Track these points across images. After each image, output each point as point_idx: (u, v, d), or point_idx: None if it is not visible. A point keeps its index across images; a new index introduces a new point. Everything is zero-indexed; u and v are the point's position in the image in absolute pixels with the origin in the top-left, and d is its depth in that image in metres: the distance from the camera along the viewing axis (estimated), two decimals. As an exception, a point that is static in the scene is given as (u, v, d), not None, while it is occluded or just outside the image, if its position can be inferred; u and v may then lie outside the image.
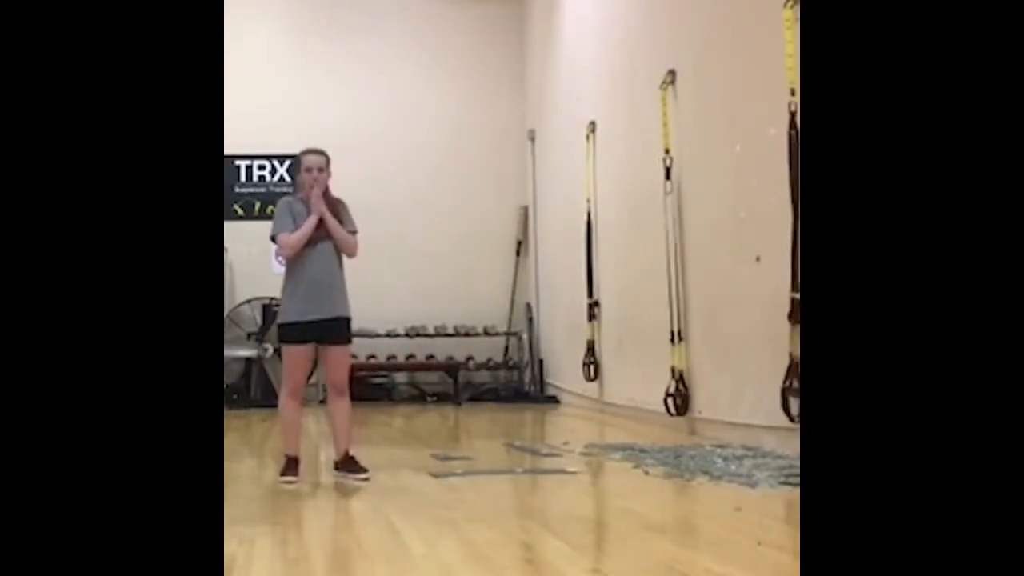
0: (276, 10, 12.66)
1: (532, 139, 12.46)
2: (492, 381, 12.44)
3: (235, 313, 11.57)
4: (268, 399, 10.18)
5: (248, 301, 11.55)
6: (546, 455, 6.46)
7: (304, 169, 5.50)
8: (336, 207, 5.51)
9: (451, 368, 11.84)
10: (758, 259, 6.40)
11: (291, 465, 5.43)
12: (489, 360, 12.47)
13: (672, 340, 7.58)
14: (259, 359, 11.25)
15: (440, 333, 12.29)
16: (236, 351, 11.17)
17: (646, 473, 5.40)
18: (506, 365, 12.52)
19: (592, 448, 6.56)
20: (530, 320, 12.40)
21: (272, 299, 10.53)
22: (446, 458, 6.25)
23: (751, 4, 6.66)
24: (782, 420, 5.81)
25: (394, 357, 12.17)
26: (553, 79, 11.55)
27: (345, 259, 5.54)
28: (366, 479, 5.36)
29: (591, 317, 9.79)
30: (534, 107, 12.49)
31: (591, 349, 9.81)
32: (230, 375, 11.25)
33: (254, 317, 11.52)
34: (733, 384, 6.81)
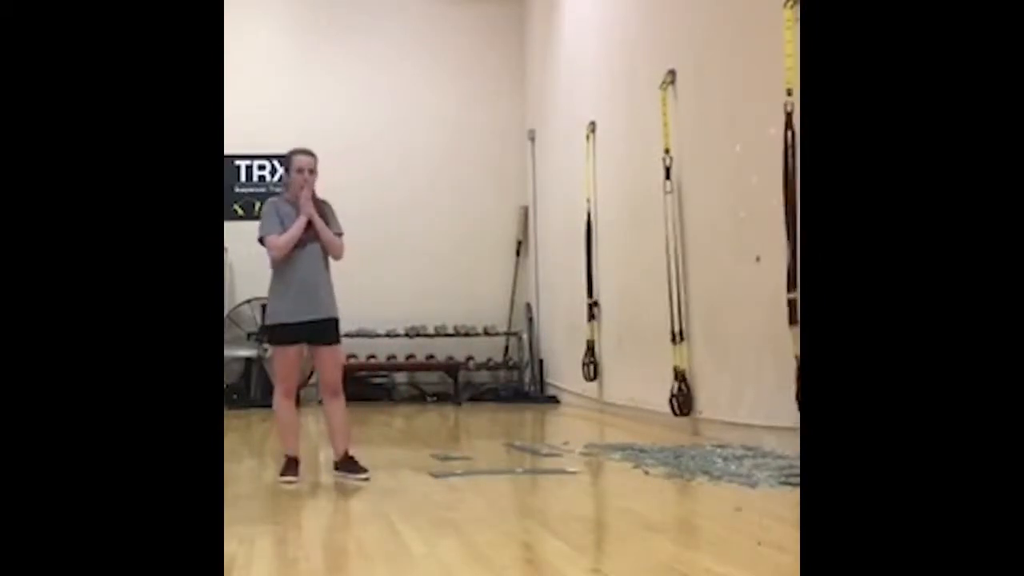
0: (276, 10, 12.65)
1: (532, 139, 12.46)
2: (492, 381, 12.43)
3: (235, 313, 11.57)
4: (268, 399, 10.06)
5: (248, 301, 11.53)
6: (546, 455, 6.46)
7: (296, 169, 5.50)
8: (322, 208, 5.52)
9: (451, 368, 11.83)
10: (758, 259, 6.39)
11: (291, 465, 5.43)
12: (489, 360, 12.46)
13: (673, 340, 7.58)
14: (259, 359, 11.25)
15: (440, 333, 12.28)
16: (236, 351, 11.18)
17: (646, 473, 5.40)
18: (506, 365, 12.51)
19: (592, 448, 6.56)
20: (530, 320, 12.39)
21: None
22: (446, 458, 6.25)
23: (751, 4, 6.66)
24: (782, 420, 5.81)
25: (394, 357, 12.16)
26: (553, 79, 11.54)
27: (332, 260, 5.56)
28: (366, 479, 5.36)
29: (591, 317, 9.78)
30: (534, 107, 12.48)
31: (591, 349, 9.81)
32: (230, 375, 11.25)
33: (254, 317, 11.50)
34: (733, 384, 6.81)
